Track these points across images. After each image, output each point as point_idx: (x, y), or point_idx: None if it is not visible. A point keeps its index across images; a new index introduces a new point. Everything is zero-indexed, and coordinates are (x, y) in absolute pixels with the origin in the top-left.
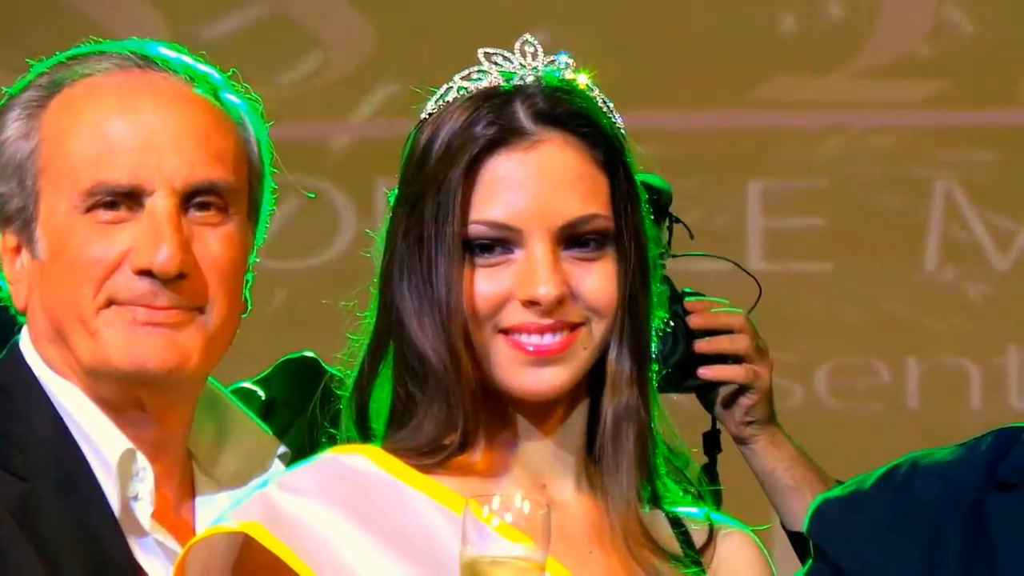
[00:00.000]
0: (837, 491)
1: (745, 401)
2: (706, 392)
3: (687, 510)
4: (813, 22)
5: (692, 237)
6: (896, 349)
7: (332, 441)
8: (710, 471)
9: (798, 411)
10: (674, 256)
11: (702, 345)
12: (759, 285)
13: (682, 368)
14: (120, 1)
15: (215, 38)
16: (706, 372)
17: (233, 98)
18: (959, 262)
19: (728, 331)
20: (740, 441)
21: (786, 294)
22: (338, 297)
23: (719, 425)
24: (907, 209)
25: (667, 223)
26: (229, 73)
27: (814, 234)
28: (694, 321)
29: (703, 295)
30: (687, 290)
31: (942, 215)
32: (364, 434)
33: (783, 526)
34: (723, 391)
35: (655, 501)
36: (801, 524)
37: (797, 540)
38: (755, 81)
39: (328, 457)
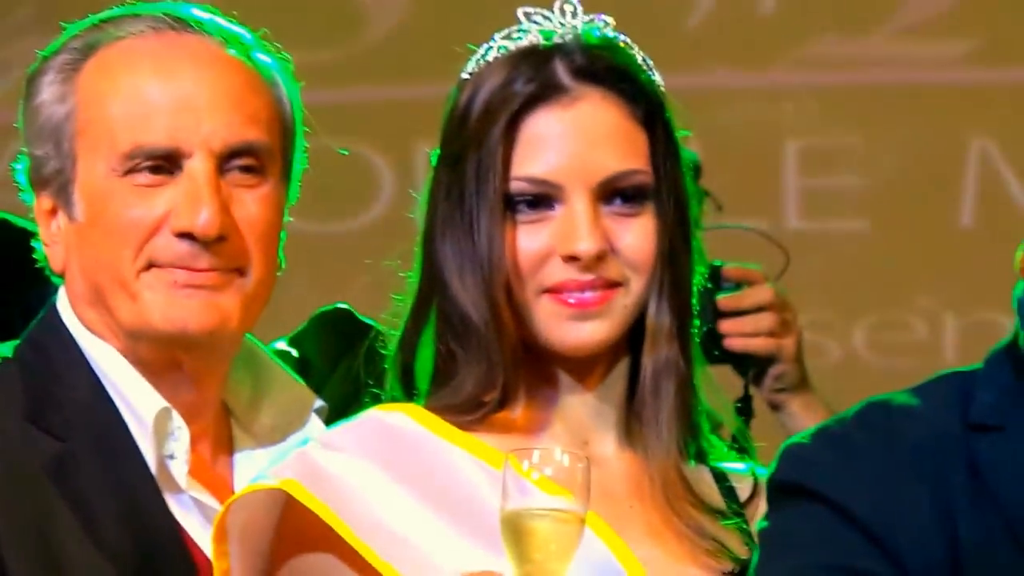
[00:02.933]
0: (806, 438)
1: (773, 371)
2: (737, 363)
3: (732, 465)
4: None
5: (720, 208)
6: (933, 305)
7: (376, 400)
8: (742, 434)
9: (836, 368)
10: (704, 229)
11: (726, 326)
12: (786, 253)
13: (710, 341)
14: None
15: (253, 2)
16: (732, 343)
17: (265, 58)
18: (995, 218)
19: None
20: (774, 407)
21: (823, 251)
22: (375, 261)
23: (751, 391)
24: (943, 167)
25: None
26: (260, 33)
27: (850, 192)
28: (722, 302)
29: (734, 264)
30: (717, 262)
31: (978, 172)
32: (408, 393)
33: None
34: (752, 362)
35: (700, 457)
36: None
37: None
38: (791, 41)
39: (369, 415)
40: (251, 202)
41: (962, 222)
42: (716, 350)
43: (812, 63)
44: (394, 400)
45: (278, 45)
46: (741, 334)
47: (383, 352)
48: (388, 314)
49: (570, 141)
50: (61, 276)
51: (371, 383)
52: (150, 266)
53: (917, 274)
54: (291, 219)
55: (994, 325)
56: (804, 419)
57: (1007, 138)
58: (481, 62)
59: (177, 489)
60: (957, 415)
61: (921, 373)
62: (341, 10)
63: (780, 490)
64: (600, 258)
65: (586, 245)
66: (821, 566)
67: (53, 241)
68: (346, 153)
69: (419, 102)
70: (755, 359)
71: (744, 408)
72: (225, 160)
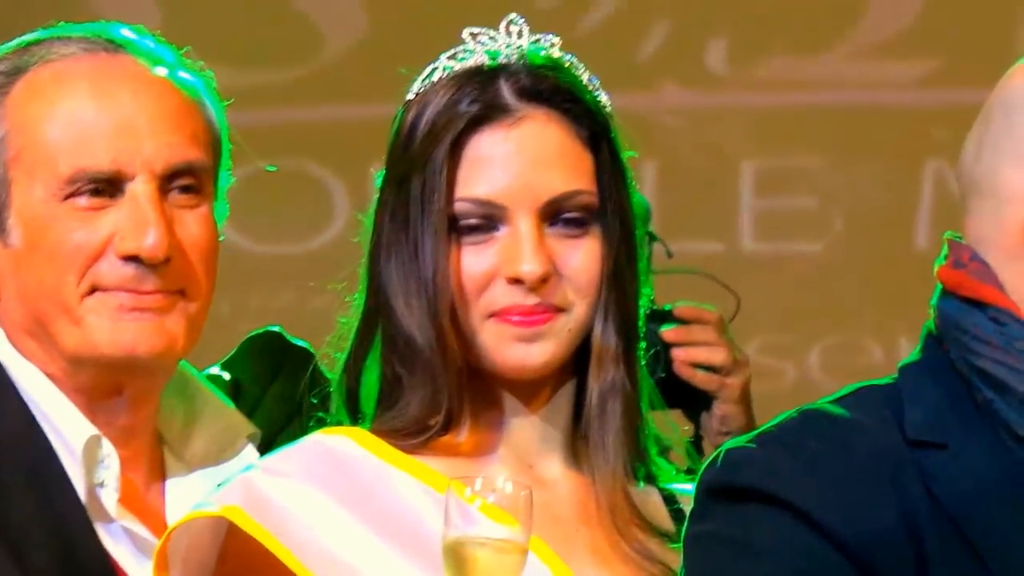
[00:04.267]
0: (748, 443)
1: (717, 411)
2: (685, 405)
3: (682, 487)
4: (807, 3)
5: (670, 255)
6: (889, 328)
7: (321, 424)
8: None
9: (791, 390)
10: (654, 273)
11: (680, 353)
12: (737, 297)
13: (659, 386)
14: None
15: (211, 22)
16: (680, 369)
17: (190, 77)
18: None
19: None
20: None
21: (779, 273)
22: (330, 282)
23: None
24: (899, 188)
25: (646, 241)
26: (183, 51)
27: (806, 214)
28: (667, 334)
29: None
30: (667, 307)
31: (933, 194)
32: (354, 417)
33: None
34: (697, 402)
35: (649, 480)
36: None
37: None
38: (747, 61)
39: (313, 439)
40: (193, 223)
41: (918, 244)
42: (665, 395)
43: (768, 84)
44: (339, 424)
45: (202, 63)
46: (692, 362)
47: (328, 375)
48: (333, 337)
49: (514, 162)
50: None
51: (316, 406)
52: (94, 290)
53: (873, 296)
54: (224, 237)
55: None
56: None
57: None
58: (426, 82)
59: (108, 518)
60: (895, 429)
61: None
62: (297, 31)
63: (724, 494)
64: (545, 280)
65: (530, 267)
66: (789, 574)
67: None
68: (273, 170)
69: (375, 123)
70: (702, 401)
71: (695, 451)
72: (166, 181)
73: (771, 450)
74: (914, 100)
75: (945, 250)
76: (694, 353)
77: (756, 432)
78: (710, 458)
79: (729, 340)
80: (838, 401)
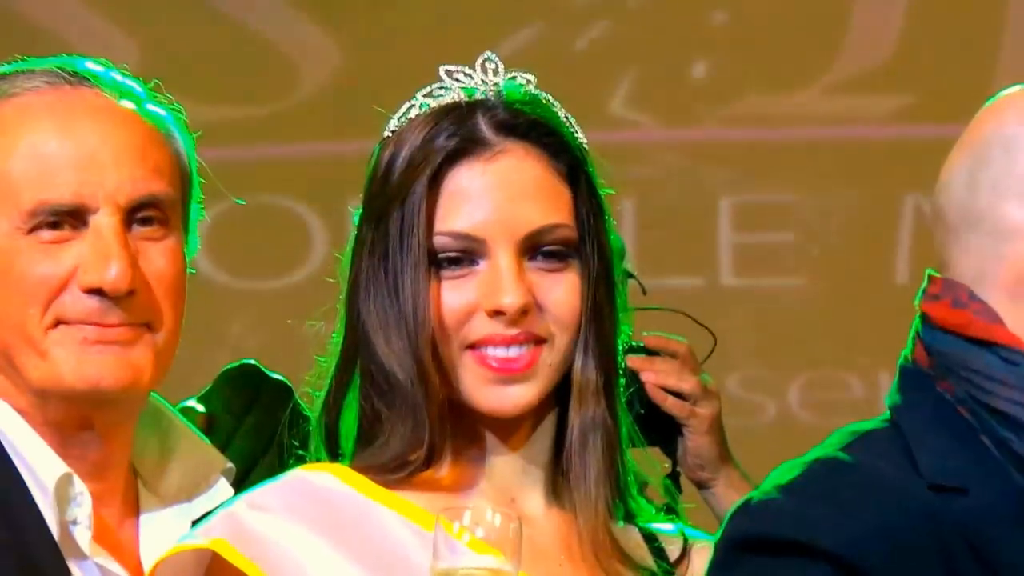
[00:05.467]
0: (773, 493)
1: (688, 443)
2: (661, 442)
3: (661, 526)
4: (783, 39)
5: (644, 293)
6: (869, 363)
7: (301, 462)
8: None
9: (770, 426)
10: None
11: (650, 377)
12: (714, 336)
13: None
14: (91, 24)
15: (188, 59)
16: (651, 392)
17: (159, 110)
18: None
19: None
20: (698, 485)
21: (758, 308)
22: (307, 317)
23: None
24: (877, 223)
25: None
26: (151, 84)
27: (785, 249)
28: (631, 361)
29: (656, 334)
30: (637, 344)
31: (912, 228)
32: (333, 455)
33: None
34: (669, 434)
35: (628, 518)
36: None
37: None
38: (724, 97)
39: (295, 475)
40: (158, 255)
41: (897, 278)
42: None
43: (745, 119)
44: (319, 462)
45: (170, 96)
46: (663, 387)
47: (307, 414)
48: (311, 375)
49: (493, 195)
50: None
51: (296, 445)
52: (58, 323)
53: (852, 331)
54: (195, 271)
55: None
56: (729, 499)
57: None
58: (403, 120)
59: (81, 555)
60: (913, 473)
61: None
62: (274, 66)
63: (756, 546)
64: (525, 312)
65: (510, 299)
66: None
67: None
68: (243, 203)
69: (352, 158)
70: (669, 429)
71: (673, 486)
72: (130, 214)
73: (801, 500)
74: (891, 135)
75: (925, 284)
76: (664, 377)
77: (783, 482)
78: (733, 508)
79: (700, 375)
80: (845, 448)
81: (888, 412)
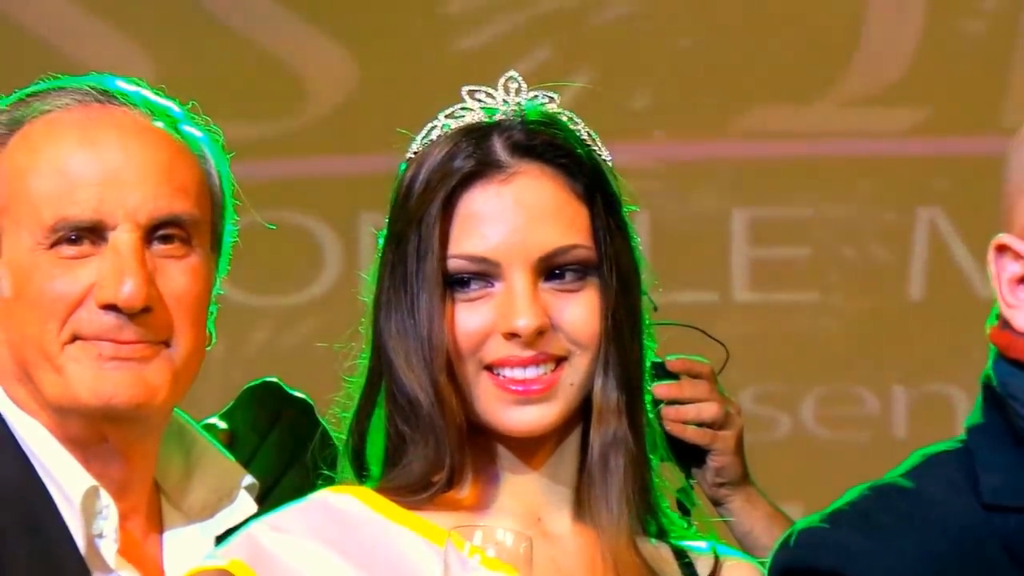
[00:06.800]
0: (820, 522)
1: (713, 464)
2: (677, 458)
3: (693, 543)
4: (798, 52)
5: (656, 309)
6: (883, 378)
7: (328, 482)
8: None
9: (785, 441)
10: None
11: (670, 411)
12: (726, 350)
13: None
14: (106, 43)
15: (203, 76)
16: (670, 428)
17: (193, 131)
18: (944, 290)
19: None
20: (715, 502)
21: (773, 323)
22: (321, 333)
23: (692, 484)
24: (892, 238)
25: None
26: (188, 105)
27: (800, 263)
28: (658, 390)
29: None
30: (657, 359)
31: (927, 243)
32: (360, 477)
33: None
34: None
35: (660, 535)
36: None
37: None
38: (739, 112)
39: (317, 497)
40: (178, 274)
41: (912, 294)
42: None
43: (760, 134)
44: (346, 483)
45: (207, 118)
46: (682, 421)
47: (334, 435)
48: (340, 396)
49: (508, 217)
50: None
51: (324, 467)
52: (75, 339)
53: (867, 346)
54: (223, 291)
55: (945, 398)
56: (746, 515)
57: (955, 209)
58: (425, 141)
59: (107, 569)
60: (968, 495)
61: (871, 446)
62: (287, 84)
63: None
64: (541, 333)
65: (525, 321)
66: None
67: None
68: (273, 228)
69: (365, 175)
70: (693, 453)
71: (685, 502)
72: (151, 231)
73: (847, 530)
74: (907, 149)
75: (996, 310)
76: (683, 412)
77: (829, 511)
78: (782, 538)
79: (720, 392)
80: (907, 473)
81: (964, 432)
